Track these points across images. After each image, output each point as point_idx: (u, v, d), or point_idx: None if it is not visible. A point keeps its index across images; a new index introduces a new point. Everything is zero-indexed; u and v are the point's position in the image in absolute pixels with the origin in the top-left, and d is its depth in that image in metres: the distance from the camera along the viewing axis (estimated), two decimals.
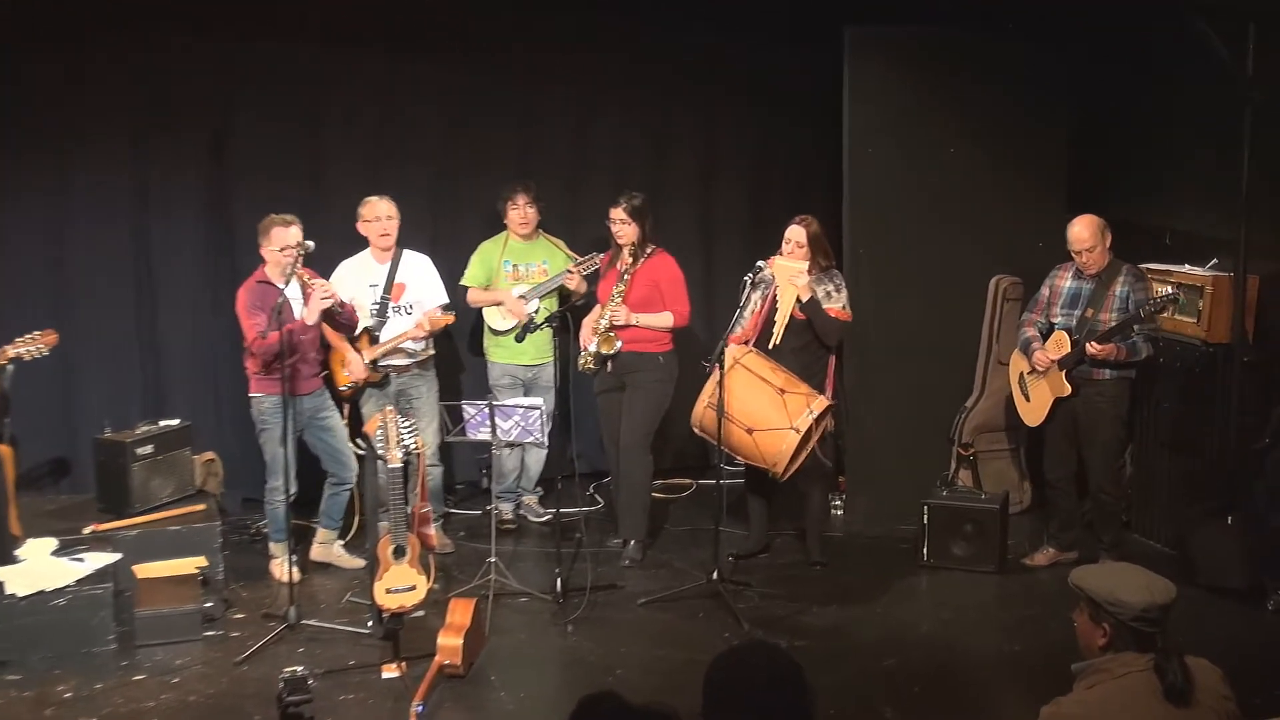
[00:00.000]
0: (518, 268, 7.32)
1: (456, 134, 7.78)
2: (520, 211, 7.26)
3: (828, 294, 6.62)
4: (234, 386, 7.08)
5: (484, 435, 6.33)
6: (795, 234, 6.64)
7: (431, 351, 7.10)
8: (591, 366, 6.94)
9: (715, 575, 6.37)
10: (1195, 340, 6.74)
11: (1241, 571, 6.31)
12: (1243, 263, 6.41)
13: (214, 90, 7.36)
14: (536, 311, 7.12)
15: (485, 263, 7.32)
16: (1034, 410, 6.77)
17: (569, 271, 7.14)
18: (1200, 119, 6.92)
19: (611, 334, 6.84)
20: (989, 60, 7.30)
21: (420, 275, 7.04)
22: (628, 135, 8.09)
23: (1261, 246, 6.42)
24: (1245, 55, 6.24)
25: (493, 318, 7.33)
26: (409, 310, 6.98)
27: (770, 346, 6.53)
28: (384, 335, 6.93)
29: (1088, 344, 6.34)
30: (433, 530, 6.56)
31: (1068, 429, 6.63)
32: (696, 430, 6.46)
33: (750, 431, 6.26)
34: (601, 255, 7.12)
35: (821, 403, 6.36)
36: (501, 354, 7.34)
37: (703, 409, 6.34)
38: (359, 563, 6.81)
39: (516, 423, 6.30)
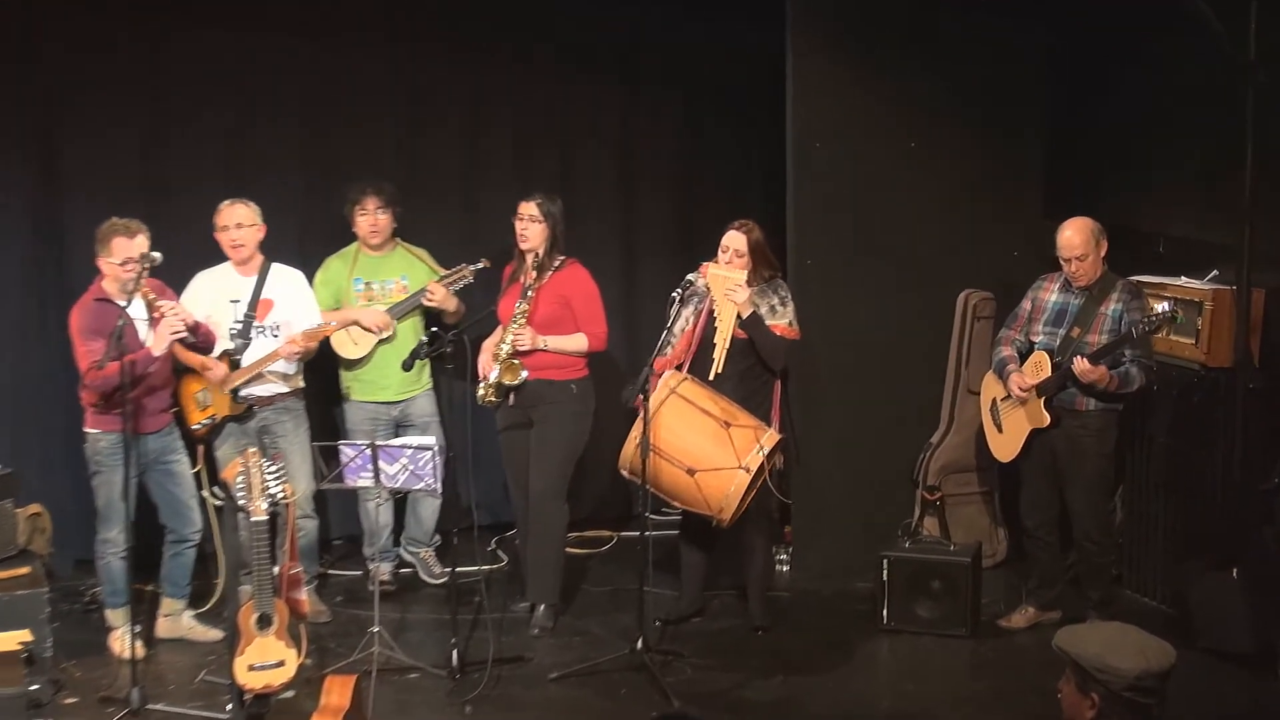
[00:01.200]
0: (371, 286, 7.29)
1: (325, 133, 7.79)
2: (370, 219, 7.20)
3: (772, 309, 6.65)
4: (67, 424, 7.00)
5: (365, 481, 6.30)
6: (733, 241, 6.66)
7: (301, 383, 7.04)
8: (493, 399, 6.89)
9: (640, 644, 6.35)
10: (1193, 364, 6.78)
11: (1249, 633, 6.35)
12: (1246, 274, 6.45)
13: (40, 89, 7.36)
14: (389, 340, 7.10)
15: (331, 283, 7.25)
16: (1007, 443, 6.81)
17: (428, 290, 7.14)
18: (1197, 108, 7.00)
19: (515, 361, 6.79)
20: (956, 42, 7.39)
21: (290, 292, 7.00)
22: (529, 129, 8.09)
23: (1268, 255, 6.48)
24: (1247, 35, 6.30)
25: (343, 345, 7.23)
26: (275, 332, 6.94)
27: (711, 376, 6.56)
28: (247, 360, 6.88)
29: (1075, 359, 6.37)
30: (304, 595, 6.45)
31: (1046, 467, 6.67)
32: (625, 473, 6.48)
33: (692, 473, 6.28)
34: (478, 266, 7.14)
35: (772, 436, 6.40)
36: (361, 390, 7.28)
37: (634, 448, 6.34)
38: (216, 635, 6.73)
39: (404, 466, 6.26)
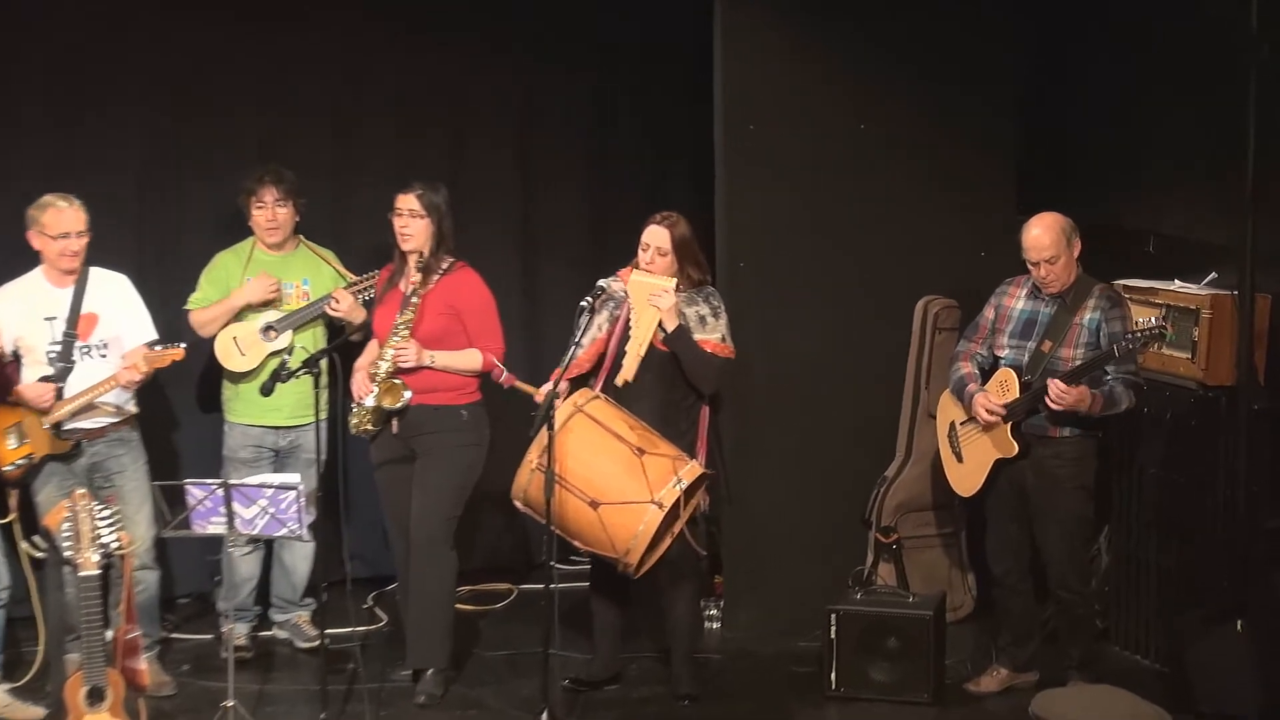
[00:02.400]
0: None
1: (171, 116, 7.77)
2: (268, 212, 7.23)
3: (701, 319, 6.66)
4: None
5: (217, 528, 6.26)
6: (656, 237, 6.67)
7: (134, 408, 6.96)
8: (369, 428, 6.87)
9: (545, 716, 6.35)
10: (1189, 382, 6.82)
11: (1255, 694, 6.35)
12: (1250, 277, 6.46)
13: None
14: (290, 351, 7.02)
15: (221, 281, 7.27)
16: (967, 475, 6.84)
17: (332, 298, 7.13)
18: (1192, 89, 7.06)
19: (397, 381, 6.76)
20: (914, 9, 7.47)
21: (116, 302, 6.94)
22: (413, 114, 8.11)
23: (1275, 255, 6.52)
24: (1248, 6, 6.34)
25: (228, 354, 7.24)
26: (103, 351, 6.87)
27: (620, 383, 6.57)
28: (70, 388, 6.79)
29: (1050, 382, 6.39)
30: (144, 663, 6.40)
31: (1016, 505, 6.72)
32: (520, 506, 6.49)
33: (595, 505, 6.29)
34: (380, 272, 7.11)
35: (693, 469, 6.38)
36: (244, 411, 7.28)
37: (529, 475, 6.35)
38: (37, 713, 6.66)
39: (264, 509, 6.20)
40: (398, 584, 7.25)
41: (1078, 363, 6.48)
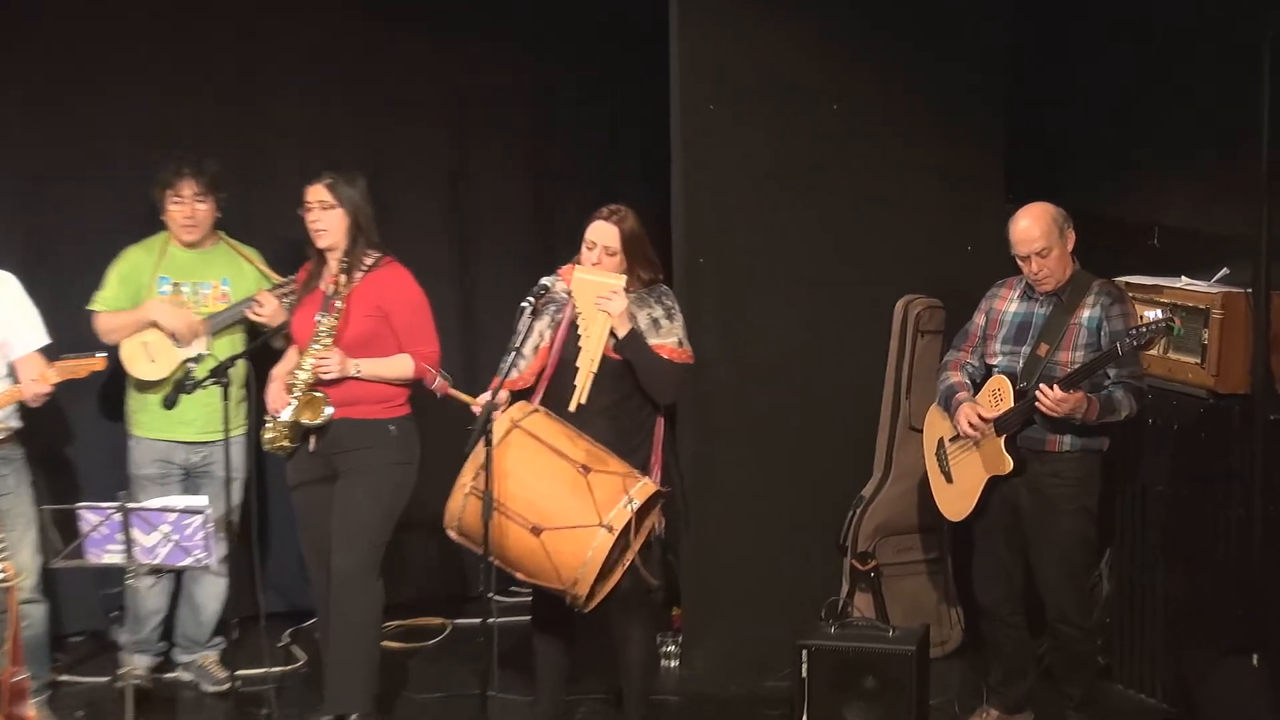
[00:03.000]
0: (180, 288, 7.30)
1: (57, 101, 7.73)
2: (186, 208, 7.22)
3: (654, 323, 6.63)
4: None
5: (115, 557, 6.22)
6: (603, 234, 6.62)
7: (17, 423, 6.95)
8: (285, 444, 6.84)
9: None
10: (1199, 389, 6.82)
11: None
12: (1266, 272, 6.49)
13: None
14: (198, 359, 7.03)
15: (132, 280, 7.26)
16: (958, 497, 6.81)
17: (255, 301, 7.13)
18: (1199, 65, 7.06)
19: (317, 393, 6.73)
20: None
21: (3, 303, 6.92)
22: (334, 95, 8.11)
23: None
24: None
25: (134, 360, 7.22)
26: None
27: (573, 407, 6.54)
28: None
29: (1040, 389, 6.38)
30: (31, 709, 6.42)
31: (1008, 527, 6.69)
32: (453, 535, 6.44)
33: (537, 531, 6.23)
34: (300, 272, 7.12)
35: (646, 487, 6.33)
36: (150, 424, 7.27)
37: (462, 499, 6.31)
38: None
39: (167, 535, 6.16)
40: (317, 619, 7.20)
41: (1077, 366, 6.45)
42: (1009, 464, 6.53)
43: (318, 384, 6.72)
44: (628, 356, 6.53)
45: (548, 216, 8.19)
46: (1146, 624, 7.11)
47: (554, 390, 6.60)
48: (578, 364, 6.54)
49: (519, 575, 6.45)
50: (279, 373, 6.90)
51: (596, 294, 6.52)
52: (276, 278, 7.25)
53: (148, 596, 7.23)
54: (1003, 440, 6.52)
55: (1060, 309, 6.54)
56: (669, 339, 6.59)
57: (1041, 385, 6.37)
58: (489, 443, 6.16)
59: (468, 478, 6.27)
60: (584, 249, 6.63)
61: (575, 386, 6.53)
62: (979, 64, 7.63)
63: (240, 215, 7.67)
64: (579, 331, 6.59)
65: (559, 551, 6.21)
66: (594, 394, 6.55)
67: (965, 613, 7.53)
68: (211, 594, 7.38)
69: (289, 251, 7.29)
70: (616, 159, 8.37)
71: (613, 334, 6.53)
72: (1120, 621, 7.21)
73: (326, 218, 6.77)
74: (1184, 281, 6.92)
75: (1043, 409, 6.36)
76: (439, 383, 6.64)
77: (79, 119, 7.74)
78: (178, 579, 7.35)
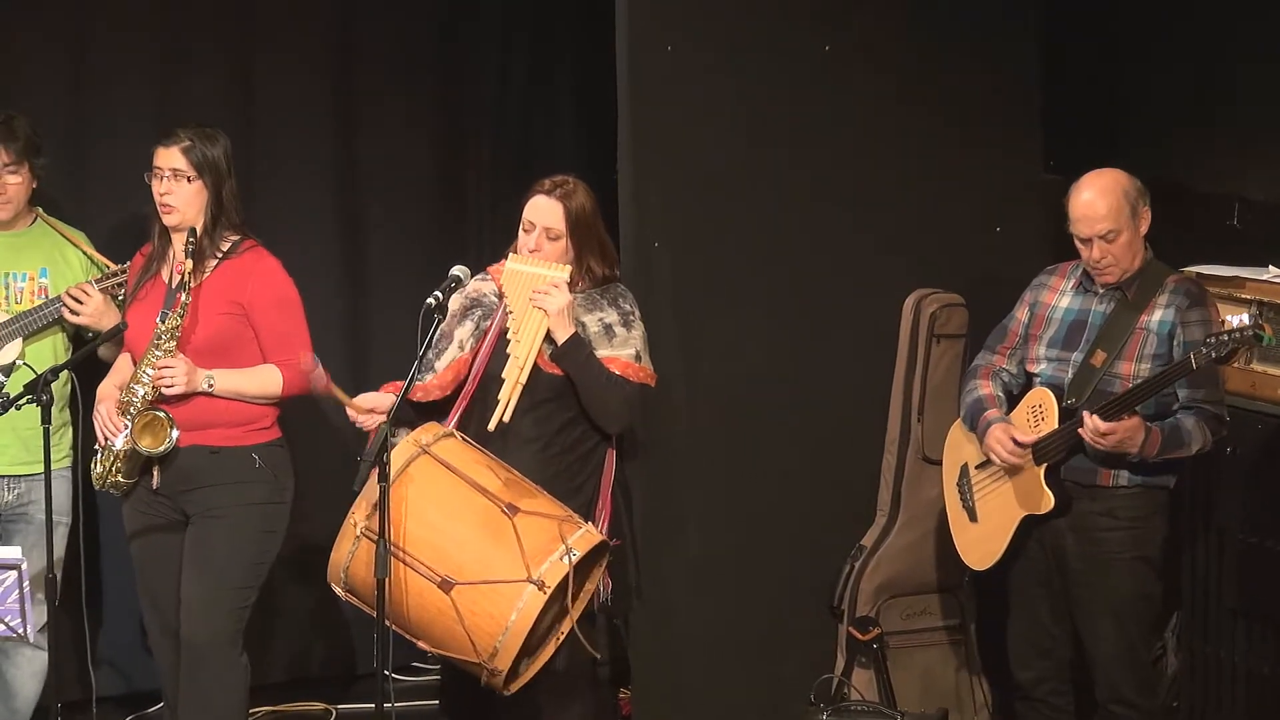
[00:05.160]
0: None
1: None
2: None
3: (606, 330, 6.71)
4: None
5: None
6: (544, 213, 6.68)
7: None
8: (119, 480, 6.85)
9: None
10: None
11: None
12: None
13: None
14: (8, 372, 7.01)
15: None
16: (983, 538, 6.87)
17: (70, 295, 7.16)
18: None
19: (159, 413, 6.73)
20: None
21: None
22: (179, 31, 8.13)
23: None
24: None
25: None
26: None
27: (491, 427, 6.55)
28: None
29: (1086, 416, 6.40)
30: None
31: (1049, 581, 6.74)
32: (339, 591, 6.47)
33: (447, 586, 6.25)
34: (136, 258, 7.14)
35: (588, 536, 6.35)
36: None
37: (351, 544, 6.32)
38: None
39: None
40: (163, 704, 7.22)
41: (1140, 381, 6.48)
42: (1049, 501, 6.57)
43: (159, 401, 6.71)
44: (566, 369, 6.58)
45: (458, 193, 8.31)
46: (1224, 706, 7.12)
47: (474, 413, 6.65)
48: (503, 375, 6.58)
49: (422, 645, 6.43)
50: (109, 390, 6.92)
51: (531, 287, 6.58)
52: (109, 264, 7.27)
53: None
54: (1042, 471, 6.57)
55: (1125, 307, 6.59)
56: (623, 350, 6.66)
57: (1087, 411, 6.40)
58: (386, 474, 6.13)
59: (359, 515, 6.27)
60: (520, 231, 6.69)
61: (500, 400, 6.54)
62: (1010, 8, 7.73)
63: (64, 187, 7.71)
64: (509, 334, 6.64)
65: (475, 613, 6.21)
66: (525, 418, 6.60)
67: (994, 692, 7.59)
68: (28, 673, 7.34)
69: (129, 233, 7.37)
70: (548, 120, 8.44)
71: (550, 340, 6.58)
72: (1191, 703, 7.23)
73: (180, 191, 6.79)
74: (1271, 272, 6.94)
75: (1087, 437, 6.41)
76: (318, 371, 6.62)
77: None
78: None
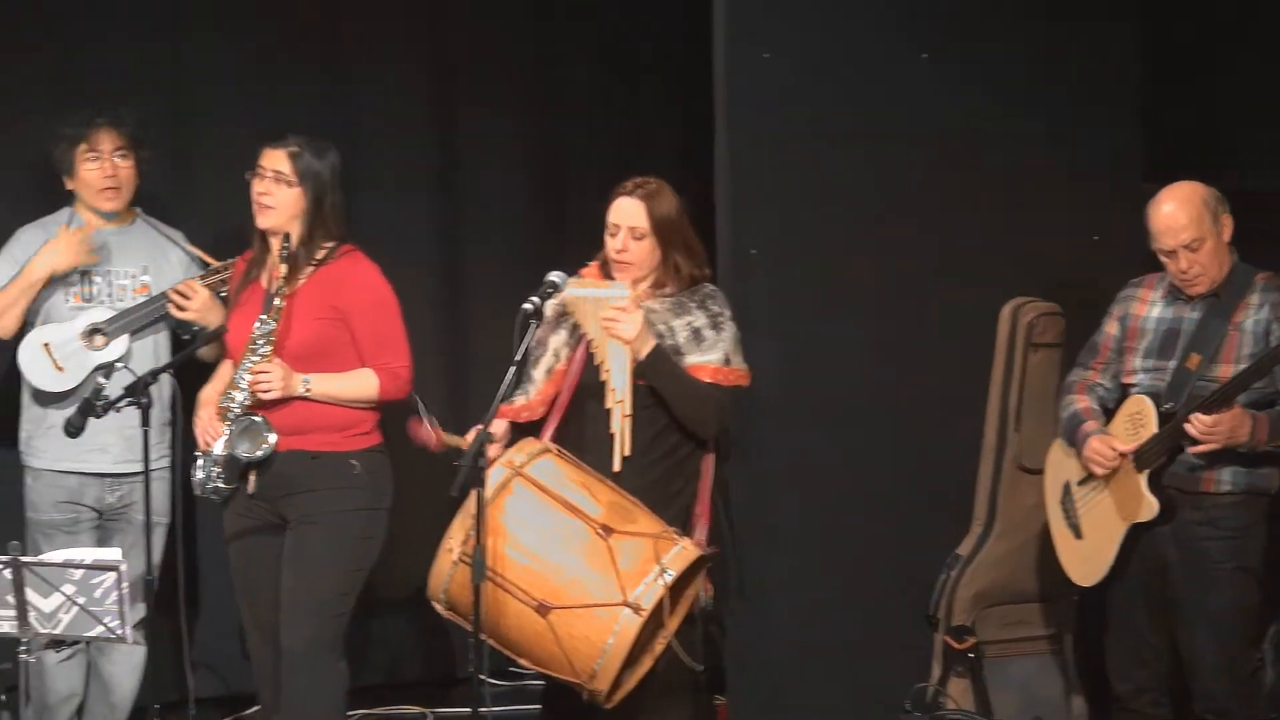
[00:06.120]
0: (91, 276, 7.33)
1: None
2: (105, 165, 7.24)
3: (695, 334, 6.66)
4: None
5: (3, 626, 6.23)
6: (627, 214, 6.65)
7: None
8: (220, 486, 6.83)
9: None
10: None
11: None
12: None
13: None
14: (110, 370, 6.94)
15: (21, 264, 7.27)
16: (1089, 555, 6.83)
17: (177, 291, 7.17)
18: None
19: (256, 418, 6.72)
20: None
21: None
22: (286, 40, 8.19)
23: None
24: None
25: (37, 367, 7.24)
26: None
27: (616, 466, 6.54)
28: None
29: (1191, 417, 6.37)
30: None
31: (1151, 591, 6.71)
32: (441, 609, 6.45)
33: (544, 610, 6.23)
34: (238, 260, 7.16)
35: (685, 553, 6.34)
36: (51, 451, 7.28)
37: (450, 566, 6.31)
38: None
39: (70, 599, 6.15)
40: (259, 707, 7.23)
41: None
42: (1153, 507, 6.54)
43: (257, 406, 6.72)
44: (652, 383, 6.57)
45: (557, 199, 8.31)
46: None
47: (570, 423, 6.63)
48: (606, 405, 6.56)
49: (524, 662, 6.48)
50: (209, 395, 6.91)
51: (599, 314, 6.56)
52: (211, 261, 7.28)
53: (57, 676, 7.28)
54: (1144, 477, 6.55)
55: (1216, 311, 6.57)
56: (712, 355, 6.61)
57: (1193, 413, 6.38)
58: (481, 480, 6.13)
59: (454, 541, 6.28)
60: (606, 234, 6.67)
61: (614, 434, 6.52)
62: (1108, 12, 7.72)
63: (165, 189, 7.75)
64: (596, 363, 6.63)
65: (572, 636, 6.22)
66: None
67: (1092, 704, 7.53)
68: (126, 668, 7.37)
69: (230, 238, 7.34)
70: (644, 126, 8.50)
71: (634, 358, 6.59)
72: None
73: (278, 193, 6.77)
74: None
75: (1194, 436, 6.38)
76: (428, 431, 6.54)
77: None
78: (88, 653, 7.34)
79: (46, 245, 7.16)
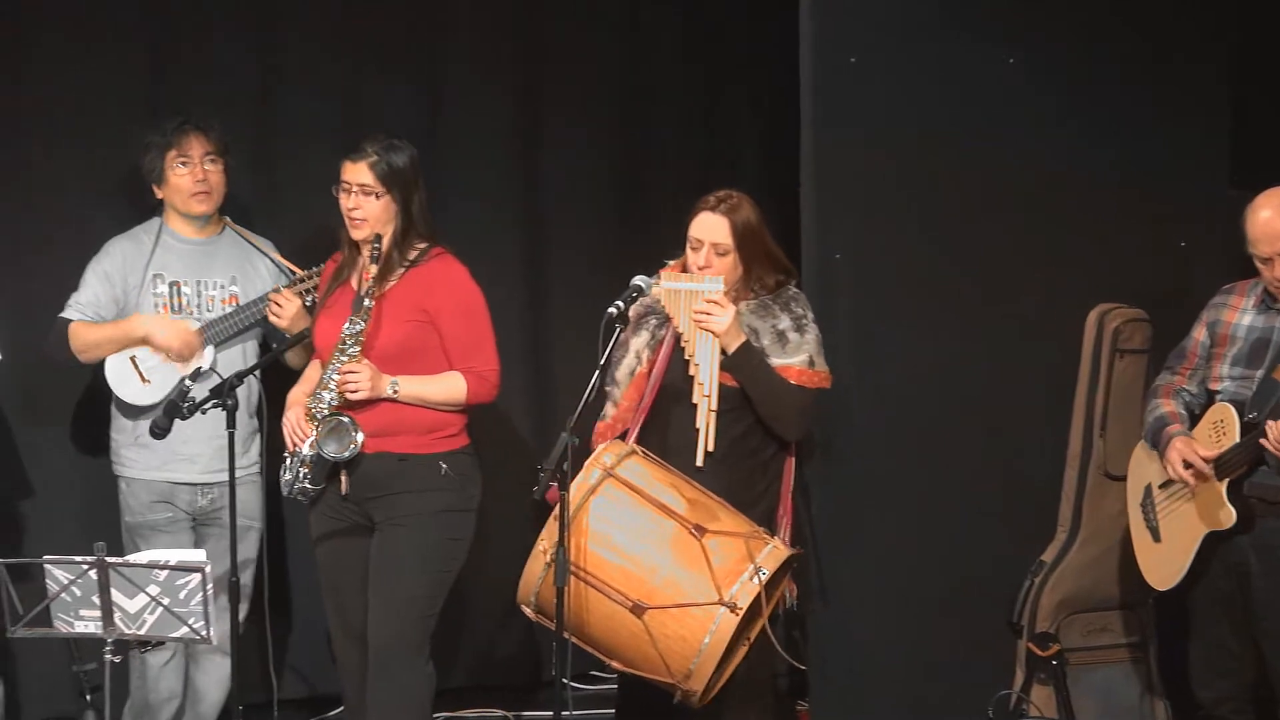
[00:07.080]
0: (180, 287, 7.35)
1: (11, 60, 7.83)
2: (196, 170, 7.27)
3: (779, 337, 6.65)
4: None
5: (89, 626, 6.21)
6: (710, 229, 6.64)
7: None
8: (308, 486, 6.82)
9: None
10: None
11: None
12: None
13: None
14: (197, 376, 7.01)
15: (116, 278, 7.32)
16: (1166, 559, 6.81)
17: (272, 300, 7.21)
18: None
19: (344, 419, 6.69)
20: None
21: None
22: (364, 41, 8.18)
23: None
24: None
25: (123, 379, 7.25)
26: None
27: (699, 461, 6.55)
28: None
29: (1266, 425, 6.35)
30: None
31: (1232, 600, 6.67)
32: (531, 614, 6.47)
33: (640, 611, 6.22)
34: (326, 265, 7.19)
35: (776, 553, 6.33)
36: (143, 461, 7.30)
37: (542, 568, 6.30)
38: None
39: (154, 600, 6.16)
40: (345, 709, 7.23)
41: None
42: (1230, 516, 6.49)
43: (346, 407, 6.70)
44: (739, 379, 6.56)
45: (641, 203, 8.27)
46: None
47: (654, 425, 6.64)
48: (693, 400, 6.56)
49: (615, 664, 6.46)
50: (297, 396, 6.90)
51: (692, 307, 6.54)
52: (297, 270, 7.32)
53: (160, 677, 7.28)
54: (1224, 486, 6.49)
55: None
56: (796, 357, 6.60)
57: (1269, 421, 6.34)
58: (565, 483, 6.14)
59: (547, 542, 6.26)
60: (688, 250, 6.67)
61: (699, 430, 6.52)
62: (1195, 18, 7.66)
63: (252, 196, 7.82)
64: (685, 356, 6.63)
65: (668, 636, 6.20)
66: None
67: (1176, 711, 7.51)
68: (214, 679, 7.37)
69: (311, 244, 7.41)
70: (731, 135, 8.44)
71: (722, 350, 6.57)
72: None
73: (368, 205, 6.76)
74: None
75: (1268, 447, 6.34)
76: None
77: (41, 80, 7.81)
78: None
79: (161, 319, 7.20)
